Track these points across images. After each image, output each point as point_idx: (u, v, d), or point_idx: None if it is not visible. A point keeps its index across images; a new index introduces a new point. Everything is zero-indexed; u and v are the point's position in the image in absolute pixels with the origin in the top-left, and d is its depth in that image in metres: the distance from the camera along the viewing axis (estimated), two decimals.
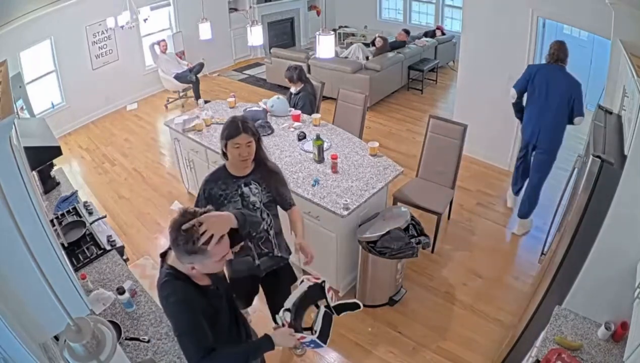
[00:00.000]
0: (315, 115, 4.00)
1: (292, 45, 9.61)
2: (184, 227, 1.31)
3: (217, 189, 2.01)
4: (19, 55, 5.24)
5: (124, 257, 2.68)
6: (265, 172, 2.07)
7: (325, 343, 1.57)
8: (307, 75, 4.55)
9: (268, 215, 2.10)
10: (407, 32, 7.45)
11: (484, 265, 3.53)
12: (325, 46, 3.04)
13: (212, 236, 1.32)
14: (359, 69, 6.28)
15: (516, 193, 4.07)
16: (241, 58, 8.95)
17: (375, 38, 7.28)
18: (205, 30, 4.45)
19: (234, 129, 1.93)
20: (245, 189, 2.02)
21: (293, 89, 4.40)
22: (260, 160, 2.06)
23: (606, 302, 1.90)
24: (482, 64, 4.53)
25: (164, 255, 1.50)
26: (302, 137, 3.71)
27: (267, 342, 1.54)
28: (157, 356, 1.93)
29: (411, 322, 3.07)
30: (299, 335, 1.56)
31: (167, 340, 2.00)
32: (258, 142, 2.00)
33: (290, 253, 2.30)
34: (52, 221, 2.67)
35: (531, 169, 3.71)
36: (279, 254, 2.19)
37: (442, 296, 3.28)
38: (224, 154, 2.01)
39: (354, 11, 10.04)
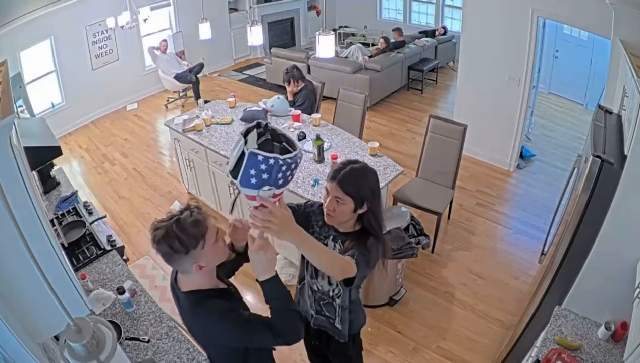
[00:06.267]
0: (315, 115, 3.99)
1: (292, 45, 9.61)
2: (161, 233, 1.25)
3: (315, 219, 1.79)
4: (19, 55, 5.24)
5: (124, 257, 2.68)
6: (360, 244, 1.61)
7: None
8: (307, 74, 4.56)
9: (337, 285, 1.80)
10: (398, 31, 7.34)
11: (484, 265, 3.53)
12: (325, 46, 3.03)
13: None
14: (359, 69, 6.28)
15: None
16: (241, 58, 8.95)
17: (377, 39, 7.25)
18: (205, 30, 4.45)
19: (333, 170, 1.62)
20: (330, 243, 1.73)
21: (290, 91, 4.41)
22: (367, 233, 1.66)
23: (606, 302, 1.90)
24: (482, 64, 4.53)
25: (174, 283, 1.43)
26: (302, 137, 3.71)
27: (268, 280, 1.29)
28: (157, 356, 1.93)
29: (411, 322, 3.07)
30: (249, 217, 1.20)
31: (167, 340, 2.00)
32: (370, 210, 1.62)
33: (357, 345, 2.05)
34: (52, 221, 2.67)
35: None
36: (339, 327, 1.89)
37: (442, 296, 3.27)
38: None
39: (354, 11, 10.03)
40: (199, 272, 1.33)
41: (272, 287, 1.31)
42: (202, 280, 1.38)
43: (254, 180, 1.14)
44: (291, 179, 1.22)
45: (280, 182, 1.17)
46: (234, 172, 1.17)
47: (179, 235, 1.23)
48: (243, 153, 1.13)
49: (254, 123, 1.27)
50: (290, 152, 1.20)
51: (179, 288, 1.40)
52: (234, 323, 1.33)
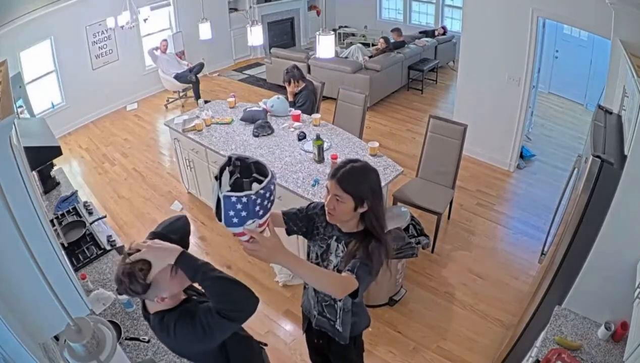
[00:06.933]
0: (315, 115, 3.99)
1: (292, 45, 9.61)
2: (122, 273, 1.28)
3: (318, 220, 1.78)
4: (19, 55, 5.24)
5: None
6: (364, 246, 1.61)
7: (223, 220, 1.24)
8: (307, 74, 4.56)
9: None
10: (397, 31, 7.36)
11: (484, 265, 3.53)
12: (325, 46, 3.03)
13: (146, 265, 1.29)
14: (359, 69, 6.28)
15: None
16: (241, 58, 8.95)
17: (377, 39, 7.24)
18: (205, 30, 4.45)
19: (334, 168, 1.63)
20: (333, 243, 1.73)
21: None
22: (370, 233, 1.65)
23: (606, 302, 1.91)
24: (482, 64, 4.53)
25: (144, 308, 1.47)
26: (302, 137, 3.71)
27: (180, 257, 1.31)
28: (157, 356, 1.93)
29: (411, 322, 3.07)
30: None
31: None
32: (371, 210, 1.61)
33: (358, 347, 2.07)
34: (52, 221, 2.67)
35: None
36: (340, 329, 1.89)
37: (442, 296, 3.27)
38: None
39: (354, 11, 10.03)
40: (163, 302, 1.37)
41: (188, 261, 1.32)
42: (167, 303, 1.40)
43: (235, 220, 1.21)
44: (271, 205, 1.29)
45: (261, 213, 1.25)
46: (218, 215, 1.24)
47: (128, 287, 1.28)
48: (219, 197, 1.20)
49: (226, 159, 1.32)
50: (261, 181, 1.26)
51: (148, 311, 1.44)
52: (187, 327, 1.35)
